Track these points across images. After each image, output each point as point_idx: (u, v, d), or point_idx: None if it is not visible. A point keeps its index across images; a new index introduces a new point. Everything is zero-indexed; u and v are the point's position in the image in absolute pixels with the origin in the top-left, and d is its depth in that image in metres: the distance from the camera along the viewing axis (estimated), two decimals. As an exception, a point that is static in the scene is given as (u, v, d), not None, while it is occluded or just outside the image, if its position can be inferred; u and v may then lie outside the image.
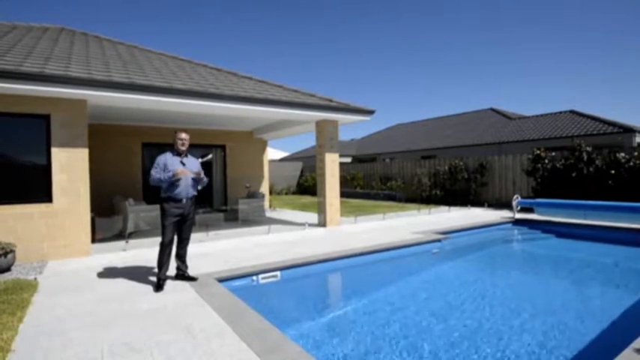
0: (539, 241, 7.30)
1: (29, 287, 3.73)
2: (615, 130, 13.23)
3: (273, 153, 22.68)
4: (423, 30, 53.04)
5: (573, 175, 9.45)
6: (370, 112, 7.95)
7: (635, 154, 8.67)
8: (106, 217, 7.02)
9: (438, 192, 13.15)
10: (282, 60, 65.26)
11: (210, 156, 10.83)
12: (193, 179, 3.89)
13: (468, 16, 47.52)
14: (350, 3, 42.16)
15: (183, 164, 3.86)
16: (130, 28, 48.48)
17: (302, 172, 21.08)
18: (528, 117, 18.96)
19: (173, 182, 3.73)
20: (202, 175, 3.98)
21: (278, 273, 4.46)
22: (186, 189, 3.81)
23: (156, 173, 3.73)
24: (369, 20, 51.98)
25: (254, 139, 11.08)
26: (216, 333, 2.65)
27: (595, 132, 13.64)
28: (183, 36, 56.51)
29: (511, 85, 68.45)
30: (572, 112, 16.65)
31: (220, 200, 10.52)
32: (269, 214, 10.21)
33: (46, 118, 5.04)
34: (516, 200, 8.81)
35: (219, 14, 47.97)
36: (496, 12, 44.68)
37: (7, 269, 4.45)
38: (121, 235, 6.74)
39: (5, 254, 4.38)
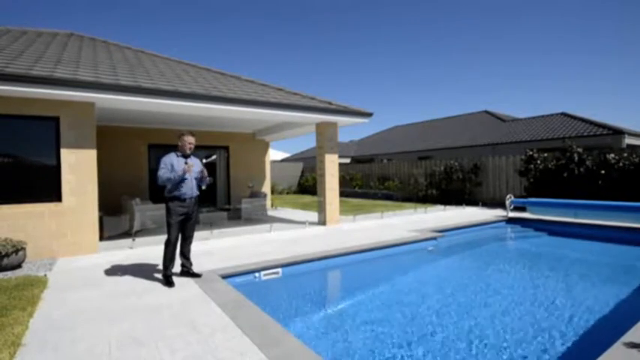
0: (531, 239, 7.47)
1: (39, 283, 3.82)
2: (605, 132, 13.52)
3: (274, 154, 22.88)
4: (421, 34, 53.55)
5: (564, 175, 9.69)
6: (368, 115, 8.14)
7: (625, 155, 8.92)
8: (114, 216, 7.14)
9: (434, 192, 13.37)
10: (283, 63, 65.46)
11: (214, 157, 11.00)
12: (197, 179, 4.00)
13: (465, 21, 48.05)
14: (349, 8, 42.51)
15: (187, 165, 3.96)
16: (135, 32, 48.50)
17: (302, 172, 21.30)
18: (521, 119, 19.26)
19: (180, 181, 3.85)
20: (205, 174, 4.08)
21: (279, 270, 4.57)
22: (190, 189, 3.92)
23: (164, 173, 3.82)
24: (368, 25, 52.36)
25: (256, 141, 11.25)
26: (220, 327, 2.72)
27: (585, 134, 13.93)
28: (187, 41, 56.57)
29: (505, 88, 69.16)
30: (563, 114, 16.95)
31: (224, 199, 10.69)
32: (271, 212, 10.36)
33: (55, 120, 5.17)
34: (509, 199, 9.04)
35: (222, 20, 48.13)
36: (494, 16, 45.21)
37: (18, 266, 4.57)
38: (127, 234, 6.87)
39: (16, 251, 4.49)
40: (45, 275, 4.20)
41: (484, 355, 2.68)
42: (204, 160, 11.39)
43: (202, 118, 7.92)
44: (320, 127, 8.12)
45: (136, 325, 2.81)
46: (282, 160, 25.74)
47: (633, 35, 43.39)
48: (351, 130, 55.01)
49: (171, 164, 3.88)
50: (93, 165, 5.42)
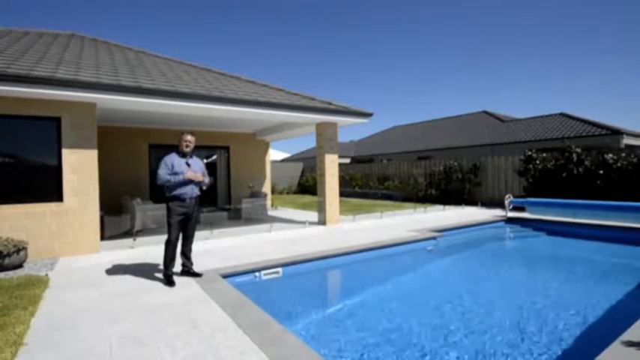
0: (530, 239, 7.51)
1: (40, 283, 3.85)
2: (604, 132, 13.57)
3: (274, 154, 22.94)
4: (421, 35, 53.63)
5: (563, 175, 9.74)
6: (368, 115, 8.18)
7: (623, 155, 8.97)
8: (115, 216, 7.17)
9: (434, 192, 13.42)
10: (283, 63, 65.50)
11: (214, 157, 11.04)
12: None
13: (465, 21, 48.16)
14: (349, 8, 42.57)
15: (189, 165, 3.97)
16: (136, 33, 48.59)
17: (303, 172, 21.37)
18: (520, 119, 19.31)
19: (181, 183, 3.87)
20: (206, 175, 4.09)
21: (279, 269, 4.59)
22: (190, 189, 3.93)
23: (164, 174, 3.83)
24: (368, 25, 52.44)
25: (256, 141, 11.29)
26: (220, 327, 2.73)
27: (584, 134, 13.97)
28: (187, 41, 56.64)
29: (504, 88, 69.34)
30: (562, 114, 17.00)
31: (224, 199, 10.72)
32: (271, 212, 10.40)
33: (57, 121, 5.20)
34: (508, 199, 9.08)
35: (223, 21, 48.21)
36: (493, 16, 45.32)
37: (20, 265, 4.59)
38: (128, 233, 6.90)
39: (18, 251, 4.51)
40: (46, 275, 4.22)
41: (482, 353, 2.70)
42: (204, 161, 11.42)
43: (203, 118, 7.94)
44: (320, 127, 8.15)
45: (136, 324, 2.82)
46: (282, 160, 25.81)
47: (632, 36, 43.55)
48: (351, 130, 55.12)
49: (172, 164, 3.89)
50: (94, 165, 5.44)
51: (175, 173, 3.86)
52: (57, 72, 5.00)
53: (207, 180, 4.11)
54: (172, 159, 3.94)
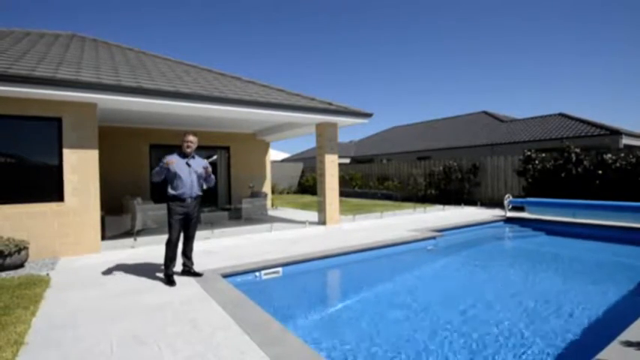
0: (529, 239, 7.53)
1: (41, 283, 3.85)
2: (602, 133, 13.60)
3: (275, 154, 22.98)
4: (421, 35, 53.69)
5: (562, 175, 9.76)
6: (368, 115, 8.20)
7: (622, 155, 9.00)
8: (116, 216, 7.19)
9: (433, 191, 13.45)
10: (283, 64, 65.51)
11: (214, 157, 11.05)
12: (198, 178, 4.00)
13: (465, 21, 48.20)
14: (348, 9, 42.59)
15: (189, 165, 3.99)
16: (137, 34, 48.63)
17: (303, 172, 21.40)
18: (519, 120, 19.35)
19: (173, 179, 3.85)
20: (210, 173, 4.08)
21: (279, 269, 4.60)
22: (190, 189, 3.93)
23: (156, 169, 3.92)
24: (368, 25, 52.47)
25: (257, 141, 11.30)
26: (221, 326, 2.74)
27: (583, 134, 14.00)
28: (187, 42, 56.68)
29: (504, 88, 69.38)
30: (561, 114, 17.04)
31: (225, 199, 10.73)
32: (271, 212, 10.41)
33: (58, 121, 5.21)
34: (508, 199, 9.10)
35: (223, 22, 48.20)
36: (493, 16, 45.36)
37: (21, 265, 4.60)
38: (129, 233, 6.90)
39: (19, 251, 4.52)
40: (47, 274, 4.23)
41: (479, 351, 2.72)
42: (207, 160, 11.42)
43: (203, 118, 7.95)
44: (320, 127, 8.17)
45: (137, 323, 2.84)
46: (283, 160, 25.86)
47: (632, 36, 43.62)
48: (350, 130, 55.20)
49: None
50: (95, 165, 5.45)
51: (174, 174, 3.87)
52: (58, 72, 5.01)
53: (210, 179, 4.11)
54: (172, 159, 3.95)
